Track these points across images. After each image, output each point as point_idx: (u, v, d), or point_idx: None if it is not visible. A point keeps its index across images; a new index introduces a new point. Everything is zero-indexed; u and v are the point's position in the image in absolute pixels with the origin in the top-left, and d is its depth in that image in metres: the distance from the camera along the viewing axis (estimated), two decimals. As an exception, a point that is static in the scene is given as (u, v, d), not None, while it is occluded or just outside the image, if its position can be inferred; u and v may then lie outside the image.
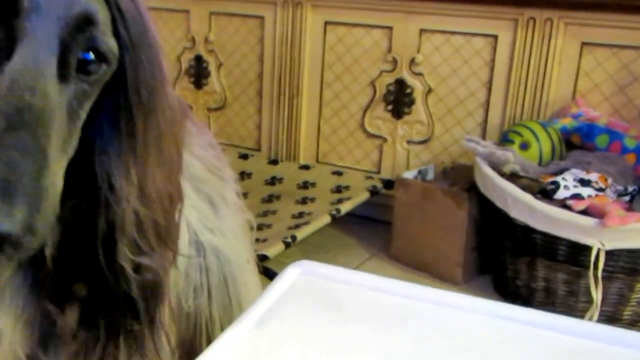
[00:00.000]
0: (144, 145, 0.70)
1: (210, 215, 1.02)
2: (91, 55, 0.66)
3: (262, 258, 1.85)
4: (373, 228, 2.53)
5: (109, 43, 0.67)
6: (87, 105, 0.68)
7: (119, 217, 0.69)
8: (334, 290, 0.75)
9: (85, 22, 0.65)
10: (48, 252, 0.69)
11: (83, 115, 0.68)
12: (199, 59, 2.90)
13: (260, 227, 2.18)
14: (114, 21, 0.68)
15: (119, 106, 0.69)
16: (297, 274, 0.79)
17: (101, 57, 0.66)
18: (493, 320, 0.69)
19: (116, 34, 0.68)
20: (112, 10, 0.68)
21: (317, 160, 2.70)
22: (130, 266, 0.71)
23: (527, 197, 1.91)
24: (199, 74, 2.92)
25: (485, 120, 2.36)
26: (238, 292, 1.06)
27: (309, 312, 0.71)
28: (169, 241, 0.75)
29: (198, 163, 1.02)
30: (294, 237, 2.00)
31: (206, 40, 2.86)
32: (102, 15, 0.66)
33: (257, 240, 2.03)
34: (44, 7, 0.63)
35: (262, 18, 2.71)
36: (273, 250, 1.91)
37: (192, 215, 0.98)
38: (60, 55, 0.64)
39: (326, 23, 2.58)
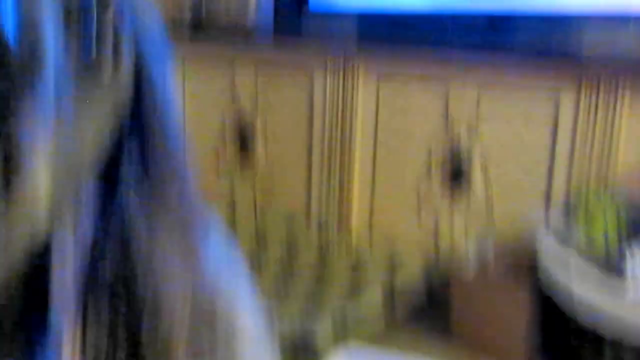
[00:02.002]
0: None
1: None
2: None
3: (308, 337, 1.88)
4: (430, 307, 2.53)
5: None
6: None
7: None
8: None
9: None
10: None
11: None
12: (244, 123, 2.99)
13: (308, 304, 2.22)
14: None
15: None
16: (345, 358, 0.83)
17: None
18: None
19: None
20: None
21: (370, 233, 2.74)
22: None
23: (594, 275, 1.92)
24: (244, 137, 3.00)
25: (549, 191, 2.39)
26: None
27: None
28: None
29: (212, 262, 1.01)
30: (343, 316, 2.03)
31: (253, 104, 2.96)
32: None
33: (305, 318, 2.07)
34: None
35: (311, 79, 2.80)
36: (320, 330, 1.94)
37: None
38: None
39: (379, 85, 2.66)
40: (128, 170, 0.60)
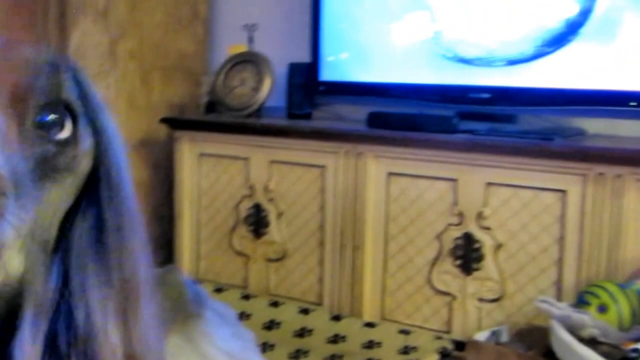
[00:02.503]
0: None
1: None
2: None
3: None
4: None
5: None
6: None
7: None
8: None
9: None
10: None
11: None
12: (258, 208, 3.07)
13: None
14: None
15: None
16: None
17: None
18: None
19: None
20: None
21: (383, 317, 2.78)
22: None
23: (608, 366, 1.97)
24: (258, 222, 3.08)
25: (560, 279, 2.43)
26: None
27: None
28: None
29: (222, 356, 1.05)
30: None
31: (266, 189, 3.04)
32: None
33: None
34: None
35: (323, 168, 2.88)
36: None
37: None
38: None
39: (389, 174, 2.74)
40: (82, 240, 0.67)
